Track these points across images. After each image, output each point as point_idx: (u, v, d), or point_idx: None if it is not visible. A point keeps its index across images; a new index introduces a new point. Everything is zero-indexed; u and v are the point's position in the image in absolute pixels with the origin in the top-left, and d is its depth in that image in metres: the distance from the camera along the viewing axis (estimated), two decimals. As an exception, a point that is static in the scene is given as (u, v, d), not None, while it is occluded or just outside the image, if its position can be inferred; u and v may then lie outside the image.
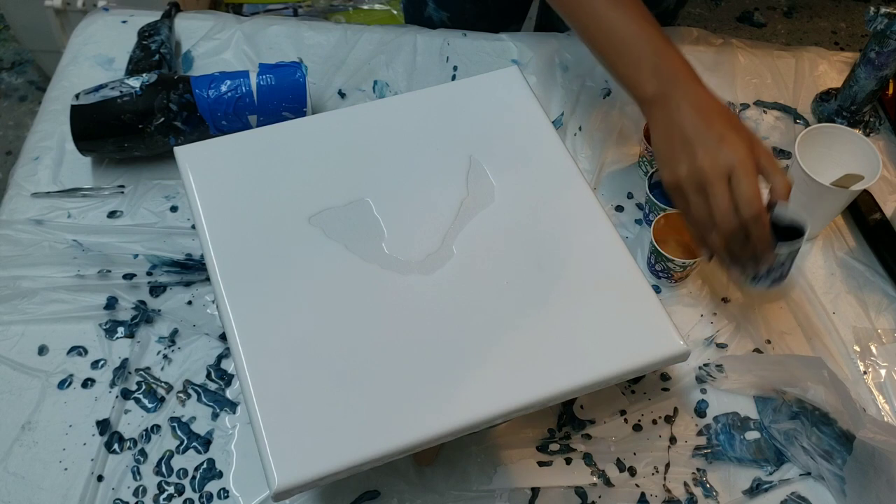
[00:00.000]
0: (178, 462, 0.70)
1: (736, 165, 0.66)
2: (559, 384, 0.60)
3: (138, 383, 0.74)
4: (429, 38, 1.00)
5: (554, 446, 0.73)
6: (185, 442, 0.71)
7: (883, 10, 0.85)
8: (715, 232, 0.68)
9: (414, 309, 0.63)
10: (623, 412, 0.75)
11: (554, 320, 0.63)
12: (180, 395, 0.74)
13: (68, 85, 0.93)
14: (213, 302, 0.78)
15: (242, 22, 1.00)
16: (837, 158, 0.83)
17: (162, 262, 0.80)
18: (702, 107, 0.69)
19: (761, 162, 0.67)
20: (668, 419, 0.75)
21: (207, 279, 0.79)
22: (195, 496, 0.69)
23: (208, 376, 0.75)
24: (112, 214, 0.84)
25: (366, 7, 1.99)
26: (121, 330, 0.76)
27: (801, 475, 0.73)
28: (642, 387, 0.77)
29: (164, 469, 0.70)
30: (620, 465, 0.73)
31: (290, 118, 0.85)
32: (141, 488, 0.69)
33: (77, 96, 0.82)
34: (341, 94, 0.95)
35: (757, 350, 0.80)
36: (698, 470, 0.73)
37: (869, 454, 0.66)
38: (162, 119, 0.83)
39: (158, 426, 0.72)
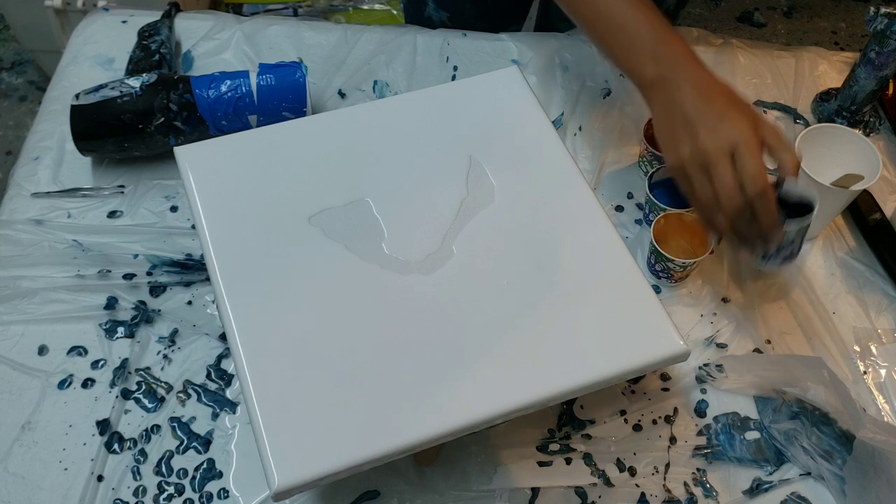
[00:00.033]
0: (178, 462, 0.70)
1: (739, 143, 0.64)
2: (559, 384, 0.60)
3: (138, 383, 0.74)
4: (429, 38, 1.00)
5: (554, 446, 0.73)
6: (185, 442, 0.71)
7: (883, 10, 0.85)
8: (721, 212, 0.67)
9: (414, 309, 0.63)
10: (623, 412, 0.75)
11: (554, 320, 0.63)
12: (180, 395, 0.74)
13: (68, 85, 0.93)
14: (213, 302, 0.78)
15: (242, 22, 1.00)
16: (837, 158, 0.83)
17: (162, 262, 0.80)
18: (703, 87, 0.67)
19: (767, 139, 0.66)
20: (668, 419, 0.75)
21: (207, 279, 0.79)
22: (195, 496, 0.69)
23: (208, 376, 0.75)
24: (112, 214, 0.84)
25: (366, 7, 1.99)
26: (121, 330, 0.76)
27: (801, 475, 0.73)
28: (642, 387, 0.77)
29: (164, 469, 0.70)
30: (620, 465, 0.73)
31: (290, 118, 0.85)
32: (141, 488, 0.69)
33: (77, 96, 0.82)
34: (341, 94, 0.95)
35: (757, 350, 0.80)
36: (698, 470, 0.73)
37: (869, 454, 0.66)
38: (162, 119, 0.83)
39: (158, 426, 0.72)
